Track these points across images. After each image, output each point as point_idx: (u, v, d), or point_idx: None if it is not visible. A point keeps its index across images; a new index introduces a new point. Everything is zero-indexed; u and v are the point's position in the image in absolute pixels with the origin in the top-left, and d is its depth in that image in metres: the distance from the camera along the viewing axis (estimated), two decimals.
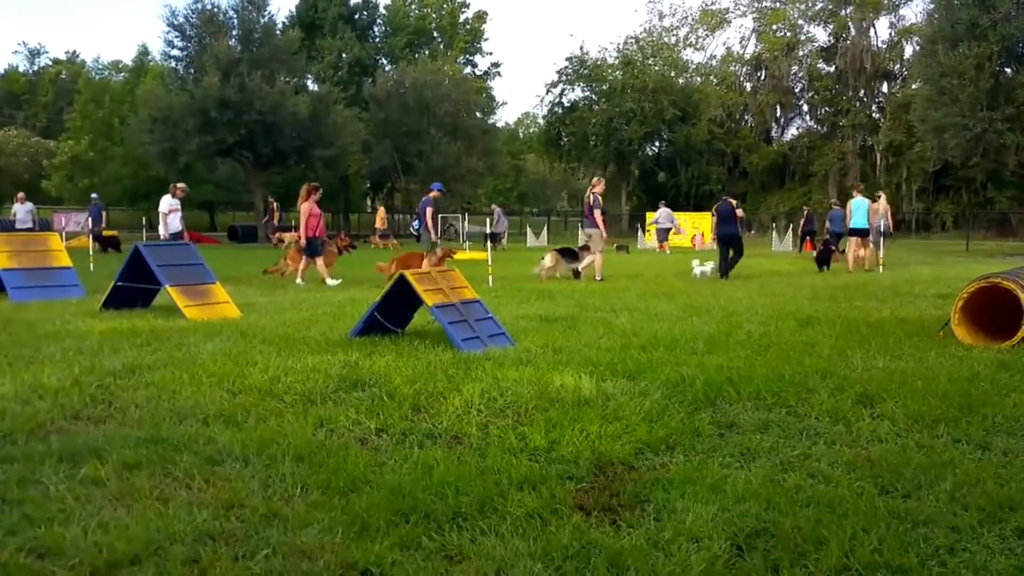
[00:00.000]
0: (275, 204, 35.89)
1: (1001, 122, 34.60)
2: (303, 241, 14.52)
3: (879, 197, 20.55)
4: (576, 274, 15.58)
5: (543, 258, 15.82)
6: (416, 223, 15.53)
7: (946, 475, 3.61)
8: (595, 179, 16.11)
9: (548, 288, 13.14)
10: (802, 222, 30.77)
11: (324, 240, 15.29)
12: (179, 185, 17.25)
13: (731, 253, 16.23)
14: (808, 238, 29.19)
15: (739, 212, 17.00)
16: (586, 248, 15.90)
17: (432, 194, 17.04)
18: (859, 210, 18.63)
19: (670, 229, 30.12)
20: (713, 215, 17.61)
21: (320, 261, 14.51)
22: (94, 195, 29.55)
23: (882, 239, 19.55)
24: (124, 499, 3.35)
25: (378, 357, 6.29)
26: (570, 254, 16.04)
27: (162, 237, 16.26)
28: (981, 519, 3.16)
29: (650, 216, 36.34)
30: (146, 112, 40.87)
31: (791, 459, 3.90)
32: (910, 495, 3.43)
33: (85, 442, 4.05)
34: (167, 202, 16.74)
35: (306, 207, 14.48)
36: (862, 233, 18.79)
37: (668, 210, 31.10)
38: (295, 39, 44.57)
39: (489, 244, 19.25)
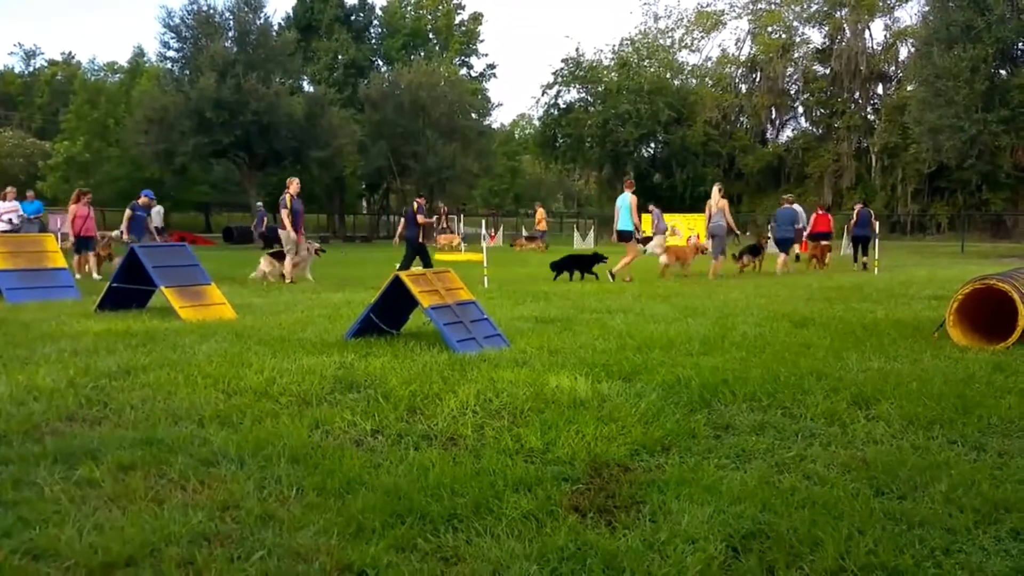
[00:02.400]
0: (260, 206, 35.65)
1: (996, 124, 34.66)
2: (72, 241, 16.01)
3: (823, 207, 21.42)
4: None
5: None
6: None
7: (941, 476, 3.61)
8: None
9: (544, 290, 13.15)
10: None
11: (96, 240, 16.65)
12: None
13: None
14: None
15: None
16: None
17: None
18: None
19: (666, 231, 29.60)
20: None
21: (92, 257, 16.18)
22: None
23: (853, 244, 20.21)
24: (119, 500, 3.34)
25: (374, 358, 6.29)
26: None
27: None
28: (976, 520, 3.16)
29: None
30: (142, 113, 40.88)
31: (786, 460, 3.90)
32: (905, 496, 3.43)
33: (80, 443, 4.04)
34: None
35: (72, 209, 16.32)
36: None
37: (659, 211, 30.31)
38: (291, 40, 44.60)
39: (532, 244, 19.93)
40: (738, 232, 20.46)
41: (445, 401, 4.92)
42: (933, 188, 48.75)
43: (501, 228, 44.55)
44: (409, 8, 63.42)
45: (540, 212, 31.51)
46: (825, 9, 54.25)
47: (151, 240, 16.36)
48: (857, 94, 54.48)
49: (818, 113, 56.01)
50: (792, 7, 55.79)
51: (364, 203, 65.59)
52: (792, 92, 57.51)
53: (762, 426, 4.48)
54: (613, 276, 15.40)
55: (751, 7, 57.46)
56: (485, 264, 15.03)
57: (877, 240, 19.99)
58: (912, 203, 50.18)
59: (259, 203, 36.71)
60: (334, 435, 4.33)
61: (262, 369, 5.83)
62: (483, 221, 33.98)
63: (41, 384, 5.29)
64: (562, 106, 57.37)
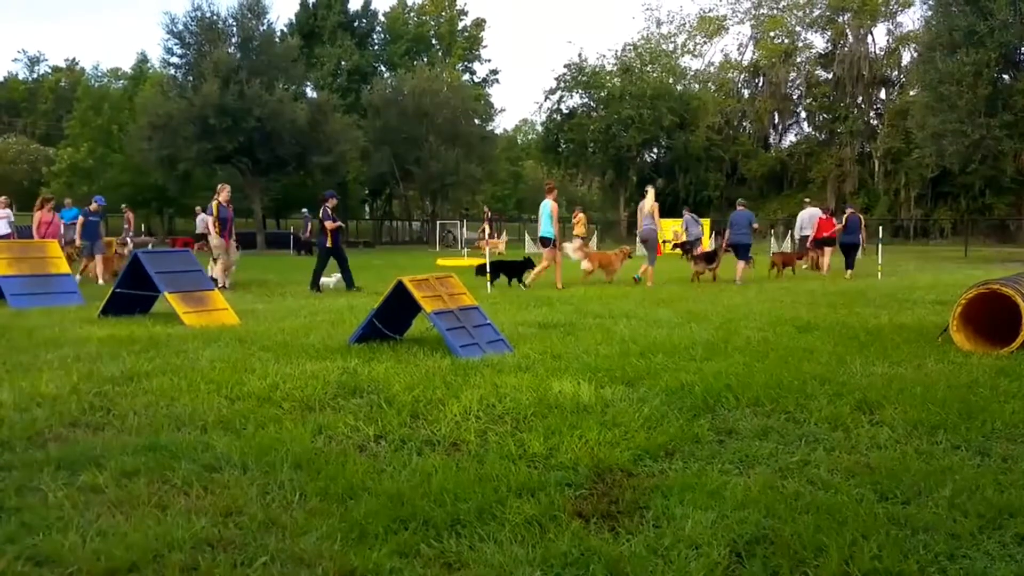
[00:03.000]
0: (306, 212, 36.80)
1: (999, 129, 34.66)
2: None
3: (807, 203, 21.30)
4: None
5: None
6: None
7: (945, 481, 3.60)
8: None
9: (546, 295, 13.14)
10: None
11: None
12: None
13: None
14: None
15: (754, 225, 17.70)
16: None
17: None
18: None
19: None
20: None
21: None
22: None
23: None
24: (122, 506, 3.34)
25: (377, 364, 6.29)
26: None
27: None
28: (981, 525, 3.15)
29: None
30: (145, 119, 40.98)
31: (790, 466, 3.89)
32: (909, 502, 3.42)
33: (83, 449, 4.04)
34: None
35: (37, 216, 16.68)
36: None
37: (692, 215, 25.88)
38: (294, 47, 44.72)
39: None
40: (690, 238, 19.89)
41: (448, 406, 4.92)
42: (936, 193, 48.74)
43: (504, 233, 44.56)
44: (412, 14, 63.62)
45: (579, 216, 30.28)
46: (828, 14, 54.36)
47: (103, 244, 16.56)
48: (860, 99, 54.55)
49: (821, 118, 56.05)
50: (795, 12, 55.92)
51: (367, 209, 65.70)
52: (795, 97, 57.61)
53: (766, 431, 4.47)
54: (526, 285, 15.03)
55: (753, 12, 57.62)
56: (488, 269, 15.02)
57: (877, 246, 19.97)
58: (915, 208, 50.19)
59: (304, 209, 37.47)
60: (337, 440, 4.32)
61: (265, 375, 5.84)
62: (484, 226, 33.94)
63: (44, 390, 5.29)
64: (565, 111, 57.50)
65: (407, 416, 4.75)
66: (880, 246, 19.77)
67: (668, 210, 39.24)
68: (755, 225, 17.64)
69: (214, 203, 15.09)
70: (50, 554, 2.88)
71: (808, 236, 20.67)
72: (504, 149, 66.40)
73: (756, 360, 6.58)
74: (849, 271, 18.41)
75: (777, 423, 4.64)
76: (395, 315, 7.56)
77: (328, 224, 14.77)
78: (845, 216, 19.37)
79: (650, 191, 16.35)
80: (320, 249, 15.17)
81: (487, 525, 3.16)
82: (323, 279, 14.61)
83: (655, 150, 58.62)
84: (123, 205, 30.22)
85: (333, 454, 4.04)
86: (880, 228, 22.61)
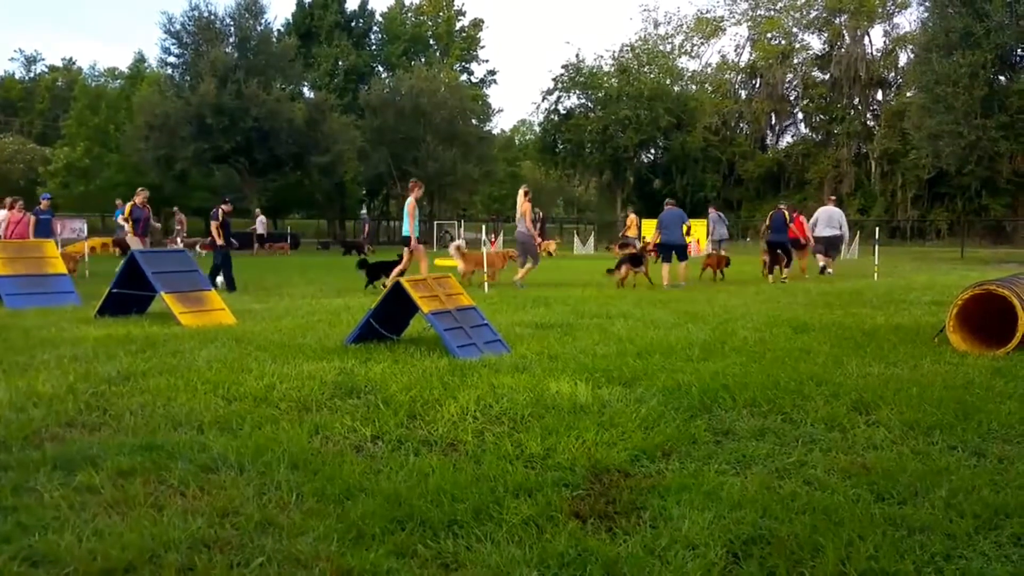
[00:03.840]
0: (365, 215, 37.41)
1: (995, 130, 34.76)
2: None
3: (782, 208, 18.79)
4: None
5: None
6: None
7: (942, 482, 3.61)
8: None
9: (544, 295, 13.14)
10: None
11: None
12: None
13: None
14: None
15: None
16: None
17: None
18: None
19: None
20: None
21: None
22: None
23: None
24: (119, 506, 3.33)
25: (374, 364, 6.29)
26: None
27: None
28: (977, 526, 3.16)
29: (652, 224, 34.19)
30: (142, 119, 40.97)
31: (787, 466, 3.90)
32: (906, 502, 3.43)
33: (80, 449, 4.04)
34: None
35: (4, 215, 17.05)
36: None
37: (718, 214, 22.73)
38: (291, 47, 44.71)
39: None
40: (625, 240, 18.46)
41: (445, 407, 4.92)
42: (933, 194, 48.82)
43: (502, 233, 44.55)
44: (409, 14, 63.63)
45: (632, 218, 28.36)
46: (824, 15, 54.44)
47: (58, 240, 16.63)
48: (857, 100, 54.63)
49: (818, 119, 56.14)
50: (792, 13, 55.99)
51: (364, 208, 65.70)
52: (792, 98, 57.70)
53: (762, 432, 4.47)
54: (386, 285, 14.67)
55: (751, 13, 57.68)
56: (485, 270, 15.03)
57: (874, 247, 20.00)
58: (912, 209, 50.27)
59: (363, 212, 38.11)
60: (334, 441, 4.32)
61: (262, 375, 5.83)
62: (483, 226, 34.01)
63: (41, 390, 5.29)
64: (562, 112, 57.55)
65: (404, 416, 4.75)
66: (876, 247, 19.81)
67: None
68: (687, 225, 16.32)
69: (129, 204, 16.03)
70: (46, 554, 2.87)
71: (827, 235, 19.15)
72: (502, 149, 66.45)
73: (753, 361, 6.58)
74: (778, 271, 17.06)
75: (774, 424, 4.64)
76: (392, 315, 7.56)
77: (214, 224, 15.30)
78: (770, 214, 17.90)
79: (522, 191, 15.45)
80: (217, 252, 15.30)
81: (484, 525, 3.16)
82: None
83: (652, 151, 58.69)
84: (174, 208, 31.22)
85: (330, 454, 4.03)
86: (876, 229, 22.66)
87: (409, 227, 14.15)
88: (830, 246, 19.53)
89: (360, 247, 31.76)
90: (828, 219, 19.34)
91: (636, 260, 15.82)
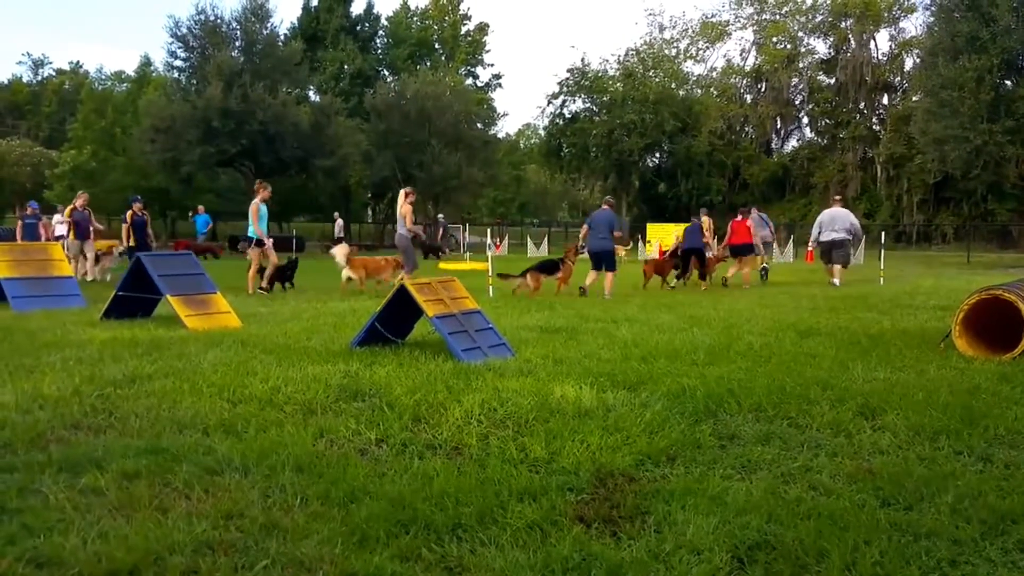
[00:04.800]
0: (442, 217, 39.40)
1: (1001, 134, 34.66)
2: None
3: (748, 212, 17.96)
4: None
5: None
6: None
7: (948, 487, 3.60)
8: None
9: (549, 299, 13.14)
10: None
11: None
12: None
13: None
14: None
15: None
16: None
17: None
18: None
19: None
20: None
21: None
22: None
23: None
24: (124, 509, 3.34)
25: (378, 367, 6.29)
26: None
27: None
28: (983, 532, 3.15)
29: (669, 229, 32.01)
30: (148, 122, 41.03)
31: (792, 471, 3.89)
32: (912, 507, 3.42)
33: (85, 452, 4.04)
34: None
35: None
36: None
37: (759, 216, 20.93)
38: (297, 50, 44.77)
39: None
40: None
41: (450, 410, 4.92)
42: (939, 198, 48.68)
43: (507, 237, 44.58)
44: (415, 18, 63.74)
45: (707, 220, 26.02)
46: (830, 20, 54.34)
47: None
48: (862, 104, 54.52)
49: (823, 123, 56.03)
50: (797, 18, 55.91)
51: (370, 212, 65.76)
52: (797, 102, 57.56)
53: (768, 436, 4.46)
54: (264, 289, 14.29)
55: (756, 18, 57.60)
56: (490, 273, 15.01)
57: (880, 251, 19.94)
58: (918, 213, 50.13)
59: (440, 215, 39.10)
60: (339, 444, 4.32)
61: (267, 378, 5.84)
62: (488, 230, 34.01)
63: (46, 392, 5.30)
64: (567, 116, 57.50)
65: (408, 420, 4.75)
66: (882, 251, 19.77)
67: (673, 214, 39.30)
68: (617, 232, 14.51)
69: (69, 207, 17.20)
70: (51, 556, 2.88)
71: (831, 239, 17.19)
72: (507, 153, 66.47)
73: (758, 365, 6.57)
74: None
75: (779, 428, 4.63)
76: (397, 319, 7.56)
77: (124, 226, 16.53)
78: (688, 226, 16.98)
79: (403, 193, 14.57)
80: (139, 250, 15.90)
81: (488, 529, 3.16)
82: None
83: (657, 155, 58.58)
84: (335, 213, 32.67)
85: (334, 458, 4.03)
86: (882, 233, 22.61)
87: (255, 228, 14.19)
88: (834, 251, 17.11)
89: (438, 250, 32.51)
90: (831, 222, 17.25)
91: (549, 268, 14.56)
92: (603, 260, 14.26)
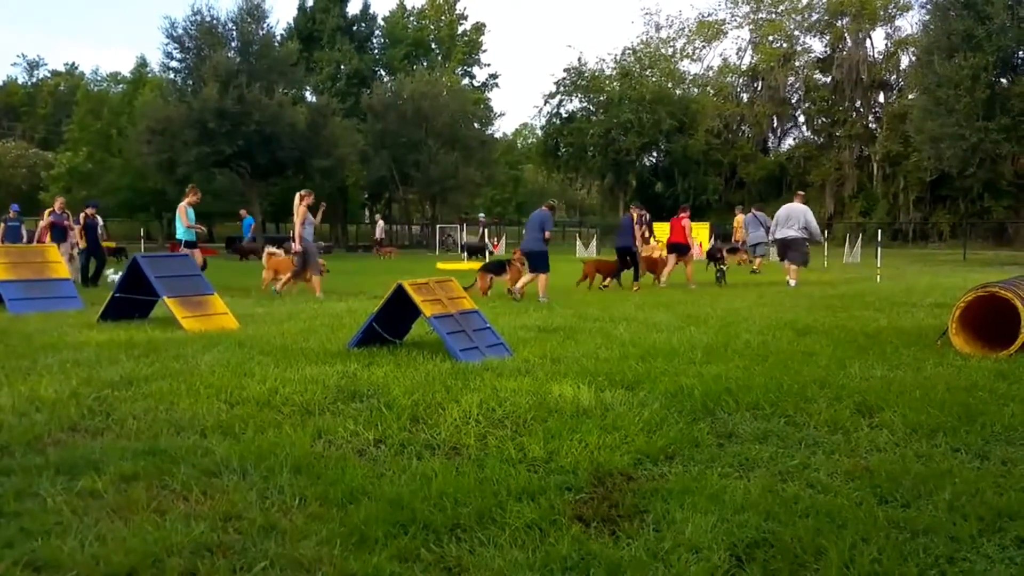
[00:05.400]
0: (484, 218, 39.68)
1: (997, 132, 34.72)
2: None
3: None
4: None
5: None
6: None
7: (945, 484, 3.60)
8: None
9: (550, 300, 13.13)
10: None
11: None
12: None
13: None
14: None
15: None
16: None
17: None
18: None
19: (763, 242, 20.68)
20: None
21: None
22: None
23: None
24: (121, 511, 3.33)
25: (376, 368, 6.29)
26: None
27: None
28: (980, 528, 3.15)
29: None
30: (144, 123, 41.04)
31: (790, 469, 3.89)
32: (909, 505, 3.42)
33: (82, 454, 4.04)
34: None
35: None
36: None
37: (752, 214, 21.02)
38: (293, 51, 44.76)
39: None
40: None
41: (448, 410, 4.92)
42: (935, 196, 48.78)
43: (504, 237, 44.56)
44: (411, 18, 63.71)
45: (740, 219, 23.73)
46: (826, 18, 54.46)
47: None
48: (858, 103, 54.62)
49: (819, 122, 56.13)
50: (793, 16, 56.02)
51: (367, 212, 65.75)
52: (793, 101, 57.69)
53: (765, 435, 4.47)
54: None
55: (752, 17, 57.70)
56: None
57: (876, 249, 19.97)
58: (914, 211, 50.25)
59: (481, 214, 39.73)
60: (337, 445, 4.32)
61: (264, 379, 5.83)
62: (485, 230, 34.14)
63: (43, 395, 5.29)
64: (564, 115, 57.56)
65: (407, 420, 4.74)
66: (879, 249, 19.79)
67: (670, 214, 39.18)
68: (547, 233, 13.70)
69: (47, 212, 17.57)
70: (49, 559, 2.87)
71: (783, 236, 16.60)
72: (503, 153, 66.47)
73: (756, 363, 6.58)
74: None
75: (777, 426, 4.64)
76: (395, 319, 7.56)
77: (77, 228, 17.05)
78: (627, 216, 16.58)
79: (298, 196, 13.96)
80: (89, 251, 17.11)
81: (487, 529, 3.16)
82: (106, 271, 17.17)
83: (654, 154, 58.68)
84: (377, 215, 33.57)
85: (333, 458, 4.03)
86: (879, 231, 22.64)
87: (183, 229, 15.27)
88: (788, 250, 16.49)
89: (482, 250, 32.71)
90: (786, 219, 16.58)
91: (498, 268, 14.44)
92: (533, 261, 13.57)
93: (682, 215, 17.17)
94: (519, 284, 13.50)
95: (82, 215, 17.25)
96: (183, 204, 15.33)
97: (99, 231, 17.89)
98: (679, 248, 16.80)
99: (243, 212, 30.50)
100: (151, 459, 3.96)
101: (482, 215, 41.07)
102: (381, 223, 40.67)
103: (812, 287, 15.91)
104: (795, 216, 16.53)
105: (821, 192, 52.62)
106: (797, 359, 6.78)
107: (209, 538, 3.05)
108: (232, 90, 38.73)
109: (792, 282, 16.01)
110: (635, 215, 16.40)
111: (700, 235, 33.29)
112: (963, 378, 5.92)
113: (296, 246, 13.98)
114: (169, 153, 39.60)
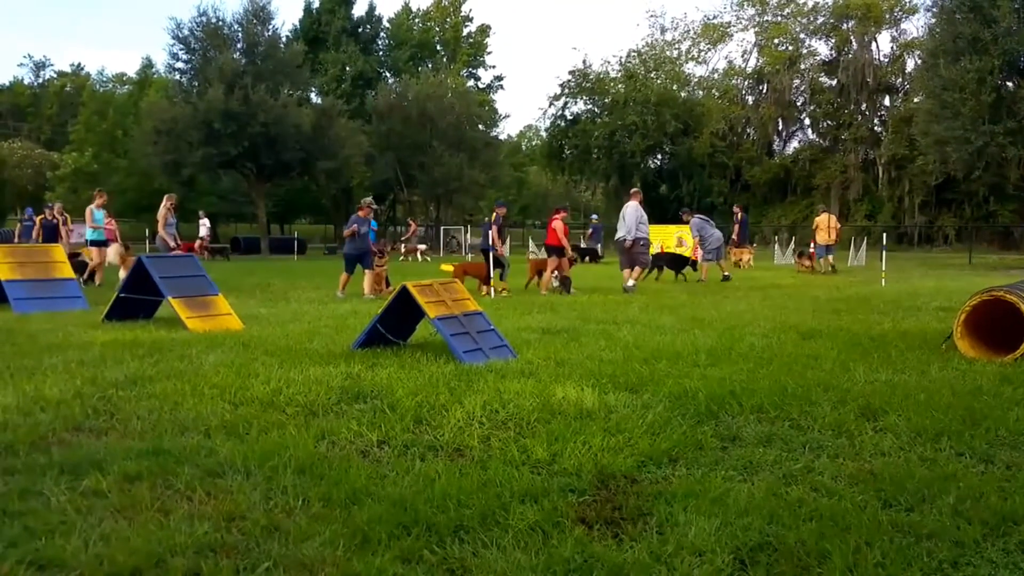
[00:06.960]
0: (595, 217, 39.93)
1: (1003, 136, 34.59)
2: None
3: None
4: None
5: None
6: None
7: (949, 489, 3.60)
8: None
9: (550, 300, 13.14)
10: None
11: None
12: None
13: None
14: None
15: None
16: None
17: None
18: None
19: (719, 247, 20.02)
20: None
21: None
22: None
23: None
24: (125, 511, 3.34)
25: (380, 369, 6.29)
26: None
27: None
28: (984, 533, 3.14)
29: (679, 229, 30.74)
30: (150, 124, 41.07)
31: (794, 472, 3.88)
32: (913, 509, 3.41)
33: (87, 454, 4.05)
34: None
35: None
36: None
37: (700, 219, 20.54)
38: (299, 52, 44.75)
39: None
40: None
41: (451, 412, 4.92)
42: (940, 200, 48.66)
43: (508, 239, 44.55)
44: (417, 20, 63.77)
45: (824, 219, 22.01)
46: (832, 21, 54.34)
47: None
48: (864, 106, 54.49)
49: (825, 125, 56.00)
50: (799, 19, 55.91)
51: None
52: (799, 104, 57.55)
53: (769, 438, 4.46)
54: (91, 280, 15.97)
55: (758, 19, 57.61)
56: (491, 276, 15.01)
57: (881, 252, 19.94)
58: (919, 215, 50.09)
59: (593, 215, 40.89)
60: (340, 446, 4.32)
61: (269, 379, 5.84)
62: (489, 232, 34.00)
63: (48, 394, 5.30)
64: (569, 117, 57.48)
65: (410, 421, 4.75)
66: (884, 253, 19.75)
67: (675, 216, 39.15)
68: (493, 234, 13.83)
69: (40, 217, 18.73)
70: (53, 558, 2.88)
71: (617, 237, 16.07)
72: (508, 155, 66.47)
73: (760, 367, 6.57)
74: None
75: (781, 430, 4.63)
76: (399, 320, 7.57)
77: (35, 228, 18.28)
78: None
79: (166, 199, 15.04)
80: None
81: (490, 531, 3.15)
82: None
83: (659, 156, 58.57)
84: (409, 218, 34.17)
85: (336, 459, 4.04)
86: (884, 235, 22.58)
87: (91, 229, 16.23)
88: (622, 253, 15.94)
89: (593, 253, 32.44)
90: (620, 219, 16.01)
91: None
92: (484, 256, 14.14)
93: (555, 216, 15.83)
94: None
95: (39, 216, 18.24)
96: (90, 207, 16.34)
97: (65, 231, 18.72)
98: (554, 251, 15.45)
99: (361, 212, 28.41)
100: (155, 459, 3.97)
101: (594, 216, 40.65)
102: (414, 227, 41.54)
103: (817, 291, 15.88)
104: (627, 216, 15.86)
105: (826, 195, 52.51)
106: (801, 362, 6.77)
107: (213, 538, 3.06)
108: (237, 91, 38.76)
109: (630, 283, 15.29)
110: (496, 215, 15.69)
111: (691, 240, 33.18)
112: (968, 382, 5.91)
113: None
114: (174, 154, 39.63)
